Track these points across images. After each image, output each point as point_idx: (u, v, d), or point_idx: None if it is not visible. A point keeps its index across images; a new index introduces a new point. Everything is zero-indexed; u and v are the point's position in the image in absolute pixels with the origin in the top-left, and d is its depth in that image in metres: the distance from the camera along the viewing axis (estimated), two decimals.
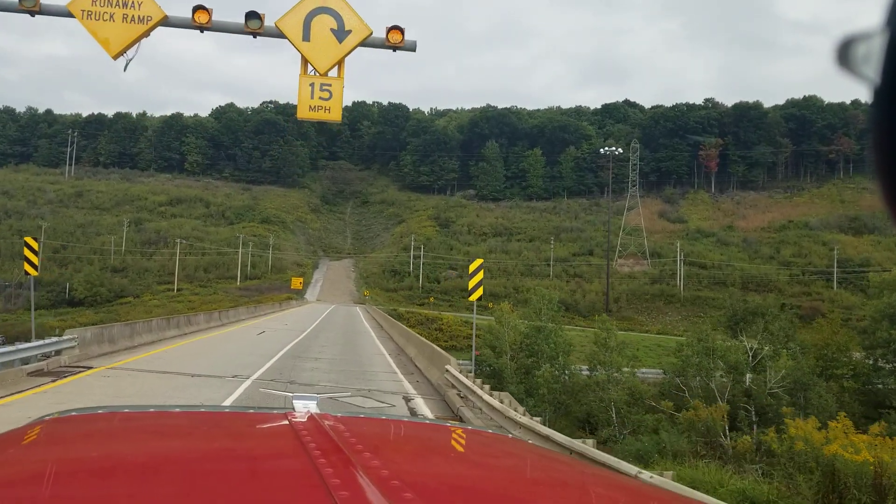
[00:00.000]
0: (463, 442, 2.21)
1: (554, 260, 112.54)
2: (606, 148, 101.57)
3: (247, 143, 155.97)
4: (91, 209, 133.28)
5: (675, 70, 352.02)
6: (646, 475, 6.13)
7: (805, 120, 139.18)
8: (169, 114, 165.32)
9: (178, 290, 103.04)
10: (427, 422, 2.92)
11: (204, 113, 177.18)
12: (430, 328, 70.82)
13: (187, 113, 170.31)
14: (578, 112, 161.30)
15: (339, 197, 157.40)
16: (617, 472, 4.91)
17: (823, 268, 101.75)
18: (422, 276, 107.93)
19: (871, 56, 0.72)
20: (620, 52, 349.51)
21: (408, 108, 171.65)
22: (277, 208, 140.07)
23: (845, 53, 0.74)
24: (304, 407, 2.13)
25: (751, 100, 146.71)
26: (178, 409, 2.39)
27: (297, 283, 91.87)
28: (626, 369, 34.17)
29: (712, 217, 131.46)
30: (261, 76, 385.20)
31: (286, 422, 1.91)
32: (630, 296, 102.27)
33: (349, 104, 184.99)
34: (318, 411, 2.09)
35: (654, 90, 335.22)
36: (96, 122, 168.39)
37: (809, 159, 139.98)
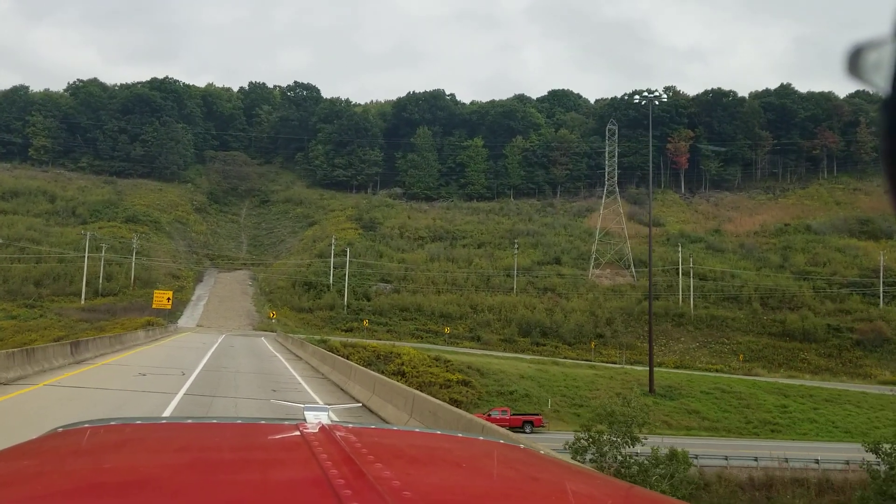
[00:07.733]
0: (474, 452, 2.19)
1: (514, 270, 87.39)
2: (644, 93, 74.91)
3: (112, 125, 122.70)
4: None
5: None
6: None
7: (785, 110, 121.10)
8: (9, 87, 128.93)
9: None
10: (439, 433, 2.60)
11: (57, 87, 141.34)
12: (384, 369, 43.49)
13: (35, 87, 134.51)
14: (523, 100, 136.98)
15: (231, 194, 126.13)
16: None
17: (855, 278, 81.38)
18: (347, 291, 79.81)
19: (882, 64, 0.74)
20: (516, 74, 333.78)
21: (318, 90, 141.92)
22: (149, 205, 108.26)
23: (856, 61, 0.77)
24: (316, 418, 2.13)
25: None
26: (190, 421, 2.32)
27: (161, 299, 61.02)
28: None
29: (691, 220, 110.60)
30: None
31: (298, 433, 1.89)
32: (625, 315, 78.64)
33: (245, 86, 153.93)
34: (330, 422, 2.09)
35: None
36: None
37: (790, 156, 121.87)
